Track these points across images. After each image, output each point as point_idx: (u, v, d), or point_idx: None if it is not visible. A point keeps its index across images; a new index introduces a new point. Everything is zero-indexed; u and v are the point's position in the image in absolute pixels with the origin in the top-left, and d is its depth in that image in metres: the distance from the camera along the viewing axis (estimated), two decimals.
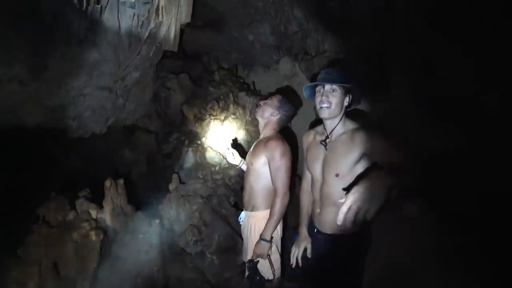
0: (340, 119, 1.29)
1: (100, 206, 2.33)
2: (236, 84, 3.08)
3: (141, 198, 2.78)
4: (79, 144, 2.89)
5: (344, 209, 0.79)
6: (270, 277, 1.59)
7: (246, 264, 1.60)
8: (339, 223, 0.80)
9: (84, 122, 2.76)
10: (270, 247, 1.55)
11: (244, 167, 1.88)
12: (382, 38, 2.45)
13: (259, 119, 1.71)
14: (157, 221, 2.33)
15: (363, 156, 1.18)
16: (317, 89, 1.31)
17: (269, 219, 1.54)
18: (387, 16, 2.16)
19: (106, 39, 2.29)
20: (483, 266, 1.03)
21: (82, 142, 2.87)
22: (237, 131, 2.84)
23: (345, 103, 1.28)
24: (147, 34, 2.37)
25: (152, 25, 2.32)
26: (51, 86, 2.31)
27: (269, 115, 1.66)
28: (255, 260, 1.57)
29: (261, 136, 1.72)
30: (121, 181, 2.45)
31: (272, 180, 1.58)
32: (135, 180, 3.28)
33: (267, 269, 1.60)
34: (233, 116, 2.83)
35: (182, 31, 2.82)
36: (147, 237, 2.31)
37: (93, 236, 2.08)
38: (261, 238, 1.53)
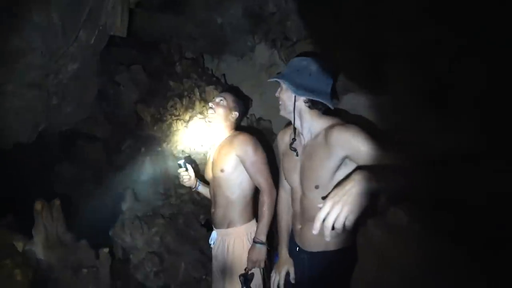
0: (302, 116, 1.30)
1: (29, 236, 2.17)
2: (202, 77, 3.02)
3: (85, 223, 2.62)
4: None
5: (321, 215, 0.80)
6: None
7: (240, 279, 1.56)
8: (314, 232, 0.81)
9: (5, 128, 2.54)
10: (266, 251, 1.58)
11: (201, 189, 1.88)
12: (375, 22, 2.49)
13: (216, 125, 1.72)
14: (106, 250, 2.20)
15: (344, 159, 1.17)
16: None
17: (260, 220, 1.57)
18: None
19: (31, 21, 2.13)
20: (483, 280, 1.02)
21: (4, 155, 2.65)
22: (205, 133, 2.76)
23: (297, 98, 1.30)
24: (85, 14, 2.24)
25: (91, 2, 2.20)
26: None
27: (227, 117, 1.70)
28: (249, 272, 1.57)
29: (219, 142, 1.73)
30: (56, 202, 2.29)
31: (252, 177, 1.60)
32: (77, 201, 3.10)
33: (258, 279, 1.61)
34: (199, 116, 2.76)
35: (132, 12, 2.71)
36: (93, 271, 2.17)
37: (18, 275, 1.94)
38: (256, 241, 1.56)
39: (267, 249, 1.58)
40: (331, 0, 2.39)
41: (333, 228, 0.81)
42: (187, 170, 1.79)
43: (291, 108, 1.30)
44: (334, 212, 0.79)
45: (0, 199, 2.33)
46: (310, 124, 1.30)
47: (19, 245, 2.12)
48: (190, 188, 2.63)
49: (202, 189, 1.88)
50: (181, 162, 1.78)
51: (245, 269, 1.57)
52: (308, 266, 1.36)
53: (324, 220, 0.81)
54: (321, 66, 1.30)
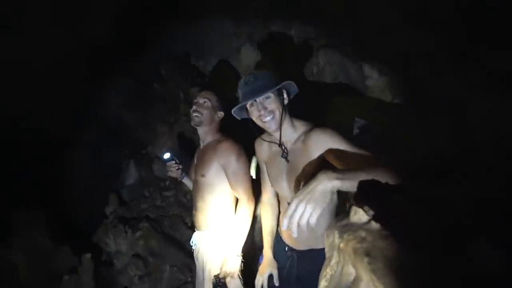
0: (284, 122, 1.30)
1: (8, 243, 2.14)
2: (186, 79, 3.03)
3: (68, 228, 2.58)
4: None
5: (288, 213, 0.84)
6: None
7: (212, 282, 1.54)
8: (283, 229, 0.85)
9: None
10: (242, 262, 1.56)
11: (186, 181, 1.87)
12: (356, 26, 2.55)
13: (201, 128, 1.68)
14: (89, 255, 2.17)
15: (322, 160, 1.20)
16: (248, 104, 1.30)
17: (236, 232, 1.55)
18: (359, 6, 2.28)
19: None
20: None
21: None
22: (190, 135, 2.77)
23: (285, 102, 1.31)
24: (68, 18, 2.25)
25: (76, 8, 2.22)
26: None
27: (213, 119, 1.67)
28: (222, 280, 1.53)
29: (204, 143, 1.72)
30: (38, 208, 2.27)
31: (231, 186, 1.59)
32: (61, 205, 3.04)
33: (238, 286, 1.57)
34: (184, 118, 2.76)
35: (118, 15, 2.73)
36: (75, 277, 2.14)
37: None
38: (230, 252, 1.54)
39: (241, 260, 1.55)
40: (314, 3, 2.46)
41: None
42: (176, 162, 1.76)
43: (284, 112, 1.27)
44: (299, 210, 0.83)
45: None
46: (290, 130, 1.32)
47: None
48: (175, 190, 2.66)
49: (187, 181, 1.86)
50: (168, 155, 1.73)
51: (215, 276, 1.53)
52: (297, 264, 1.38)
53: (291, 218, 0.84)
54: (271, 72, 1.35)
